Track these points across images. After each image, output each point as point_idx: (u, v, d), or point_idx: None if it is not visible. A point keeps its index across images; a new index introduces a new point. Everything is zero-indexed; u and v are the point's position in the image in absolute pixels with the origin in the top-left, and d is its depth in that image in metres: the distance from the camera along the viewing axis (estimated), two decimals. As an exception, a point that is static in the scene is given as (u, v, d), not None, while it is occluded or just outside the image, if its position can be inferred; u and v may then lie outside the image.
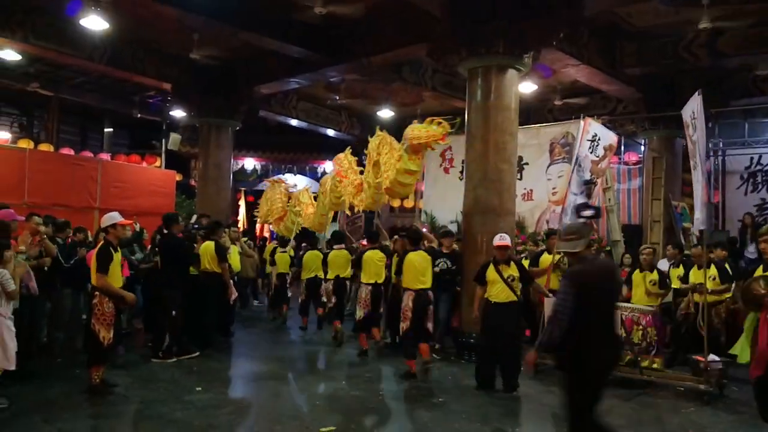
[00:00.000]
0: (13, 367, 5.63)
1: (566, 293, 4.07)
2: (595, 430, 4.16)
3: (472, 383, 7.05)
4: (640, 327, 7.30)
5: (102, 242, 6.41)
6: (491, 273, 6.89)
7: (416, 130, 8.09)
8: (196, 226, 8.91)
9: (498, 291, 6.81)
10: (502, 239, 7.00)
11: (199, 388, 6.62)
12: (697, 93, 7.37)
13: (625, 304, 7.68)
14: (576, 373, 4.14)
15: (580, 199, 8.93)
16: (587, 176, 9.06)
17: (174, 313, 7.84)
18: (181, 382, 6.89)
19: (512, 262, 6.99)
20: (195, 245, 8.81)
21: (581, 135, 8.89)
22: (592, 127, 9.10)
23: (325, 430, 5.42)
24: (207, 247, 8.76)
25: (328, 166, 20.06)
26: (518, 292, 6.89)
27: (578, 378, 4.14)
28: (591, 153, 9.11)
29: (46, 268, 7.31)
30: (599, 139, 9.30)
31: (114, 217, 6.54)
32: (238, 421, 5.72)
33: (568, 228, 4.63)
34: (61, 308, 8.02)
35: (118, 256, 6.42)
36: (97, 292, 6.23)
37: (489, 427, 5.71)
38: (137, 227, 9.68)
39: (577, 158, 8.84)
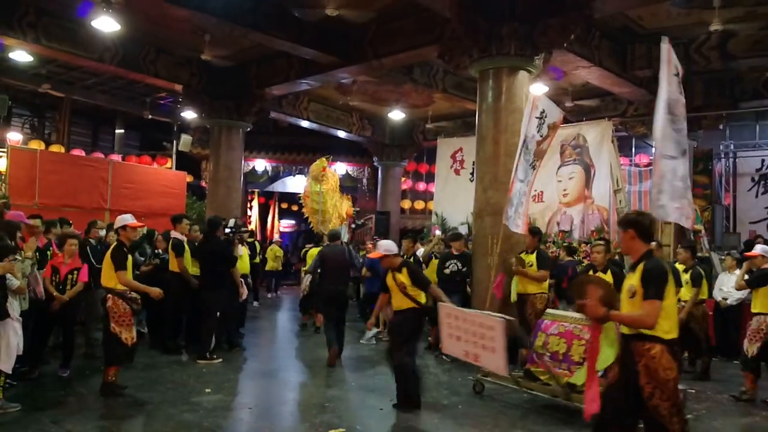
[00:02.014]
0: (9, 370, 5.62)
1: (317, 257, 8.85)
2: (326, 331, 8.37)
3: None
4: (582, 341, 5.90)
5: (115, 243, 6.44)
6: (389, 281, 6.39)
7: (315, 167, 12.63)
8: (230, 229, 9.09)
9: (398, 299, 6.32)
10: (378, 249, 6.56)
11: (208, 390, 6.63)
12: (663, 42, 6.01)
13: (567, 314, 6.55)
14: (317, 296, 9.27)
15: (521, 189, 7.75)
16: (532, 159, 7.83)
17: (218, 314, 8.17)
18: (189, 383, 6.90)
19: (404, 269, 6.34)
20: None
21: (530, 113, 7.77)
22: (541, 102, 7.93)
23: (335, 431, 5.43)
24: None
25: (339, 167, 20.10)
26: (419, 299, 6.25)
27: (318, 299, 9.27)
28: (537, 132, 7.79)
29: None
30: (545, 116, 7.90)
31: (125, 218, 6.55)
32: (247, 422, 5.72)
33: (330, 230, 9.24)
34: (97, 309, 8.01)
35: (129, 258, 6.45)
36: (109, 294, 6.20)
37: (499, 429, 5.68)
38: (144, 230, 9.71)
39: (525, 140, 7.68)
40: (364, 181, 20.20)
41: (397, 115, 16.23)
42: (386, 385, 7.11)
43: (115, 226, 6.63)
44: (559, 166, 12.32)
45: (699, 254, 11.64)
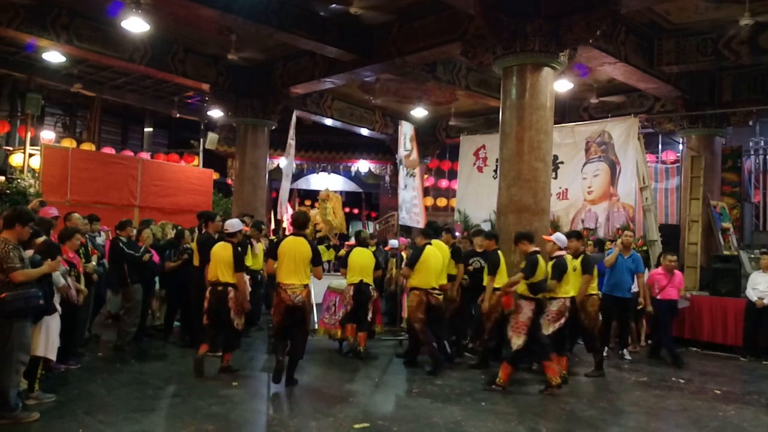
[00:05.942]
0: (54, 357, 5.85)
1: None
2: None
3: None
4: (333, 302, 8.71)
5: (232, 246, 7.13)
6: None
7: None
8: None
9: None
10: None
11: (236, 383, 6.75)
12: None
13: (340, 285, 8.64)
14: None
15: (408, 195, 10.29)
16: (407, 171, 10.22)
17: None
18: (217, 376, 7.03)
19: None
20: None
21: (400, 138, 10.08)
22: (403, 126, 10.26)
23: (359, 426, 5.49)
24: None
25: (362, 165, 20.16)
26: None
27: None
28: (404, 149, 10.04)
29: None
30: (405, 134, 10.07)
31: (238, 224, 7.52)
32: (273, 416, 5.82)
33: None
34: (135, 303, 8.25)
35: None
36: (230, 288, 7.04)
37: (523, 426, 5.69)
38: (173, 228, 9.90)
39: (401, 159, 10.15)
40: (387, 178, 20.20)
41: (419, 113, 16.23)
42: (411, 381, 7.17)
43: (230, 231, 7.29)
44: (584, 164, 12.27)
45: (726, 252, 11.49)
